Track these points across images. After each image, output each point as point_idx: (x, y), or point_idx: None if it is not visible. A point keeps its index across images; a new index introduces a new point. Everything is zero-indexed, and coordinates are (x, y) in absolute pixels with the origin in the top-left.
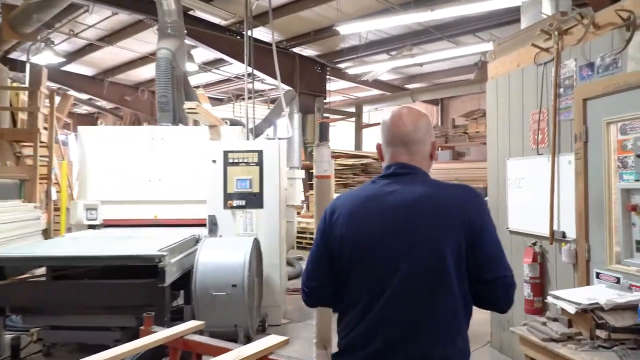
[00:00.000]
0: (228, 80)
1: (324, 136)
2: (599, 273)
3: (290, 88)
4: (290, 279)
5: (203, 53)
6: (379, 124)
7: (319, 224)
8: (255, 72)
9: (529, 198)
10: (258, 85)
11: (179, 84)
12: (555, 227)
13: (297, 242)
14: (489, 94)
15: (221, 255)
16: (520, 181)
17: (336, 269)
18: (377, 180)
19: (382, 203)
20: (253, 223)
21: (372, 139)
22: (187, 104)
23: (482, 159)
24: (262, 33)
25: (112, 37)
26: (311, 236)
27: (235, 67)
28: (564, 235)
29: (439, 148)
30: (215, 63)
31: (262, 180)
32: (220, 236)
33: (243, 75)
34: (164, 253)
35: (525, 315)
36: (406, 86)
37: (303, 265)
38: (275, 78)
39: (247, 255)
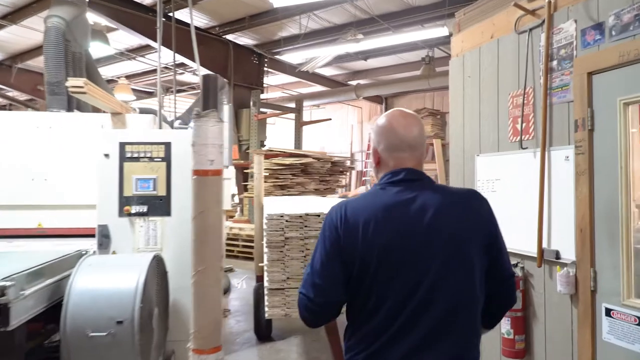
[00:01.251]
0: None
1: (261, 133)
2: (610, 309)
3: (221, 77)
4: None
5: (126, 38)
6: (321, 121)
7: (326, 233)
8: (185, 61)
9: (506, 205)
10: (189, 78)
11: (78, 63)
12: (545, 245)
13: (228, 251)
14: (452, 76)
15: (104, 281)
16: (494, 183)
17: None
18: (386, 187)
19: (406, 211)
20: (157, 235)
21: (313, 138)
22: (71, 81)
23: (428, 159)
24: (193, 17)
25: (15, 15)
26: (245, 244)
27: (164, 56)
28: (557, 255)
29: None
30: (141, 50)
31: (169, 180)
32: (114, 252)
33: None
34: (8, 283)
35: (502, 358)
36: (350, 82)
37: (233, 278)
38: (206, 67)
39: (142, 279)
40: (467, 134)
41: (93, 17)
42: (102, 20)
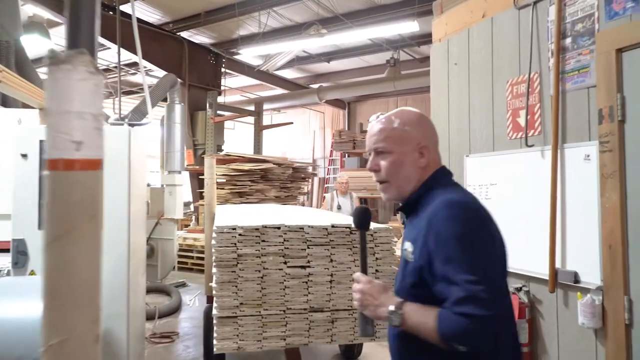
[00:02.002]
0: (108, 70)
1: (219, 137)
2: None
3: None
4: (161, 316)
5: None
6: (282, 124)
7: (479, 232)
8: (137, 60)
9: (506, 215)
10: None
11: (4, 52)
12: (558, 264)
13: (181, 263)
14: (434, 65)
15: (13, 311)
16: (488, 189)
17: None
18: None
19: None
20: None
21: (274, 143)
22: None
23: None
24: (143, 11)
25: None
26: (200, 255)
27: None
28: (575, 278)
29: (347, 154)
30: None
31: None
32: (32, 272)
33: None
34: None
35: None
36: (312, 86)
37: (185, 294)
38: (159, 66)
39: None
40: (454, 131)
41: (33, 9)
42: (45, 14)
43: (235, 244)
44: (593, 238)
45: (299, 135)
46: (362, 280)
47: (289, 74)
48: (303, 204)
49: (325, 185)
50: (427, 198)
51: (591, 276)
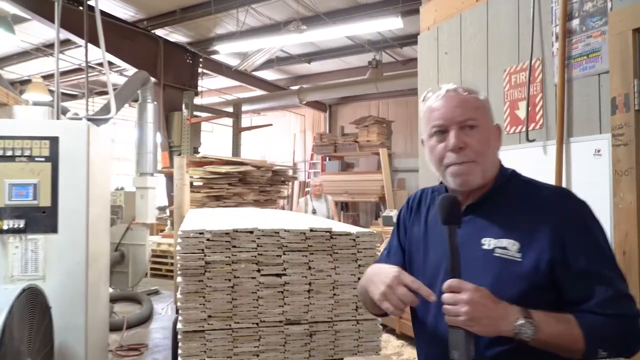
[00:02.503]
0: (80, 70)
1: (195, 139)
2: None
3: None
4: (130, 326)
5: (43, 31)
6: (261, 126)
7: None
8: (110, 59)
9: None
10: (115, 79)
11: None
12: None
13: (155, 270)
14: (422, 54)
15: None
16: None
17: None
18: None
19: None
20: (39, 258)
21: (253, 146)
22: None
23: (372, 170)
24: (115, 7)
25: None
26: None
27: (91, 54)
28: None
29: (328, 158)
30: (61, 46)
31: (56, 186)
32: None
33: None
34: None
35: None
36: (292, 87)
37: (158, 303)
38: (132, 65)
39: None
40: None
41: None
42: (12, 8)
43: (202, 250)
44: None
45: (279, 138)
46: (468, 288)
47: (269, 75)
48: (283, 208)
49: (306, 189)
50: (512, 188)
51: None
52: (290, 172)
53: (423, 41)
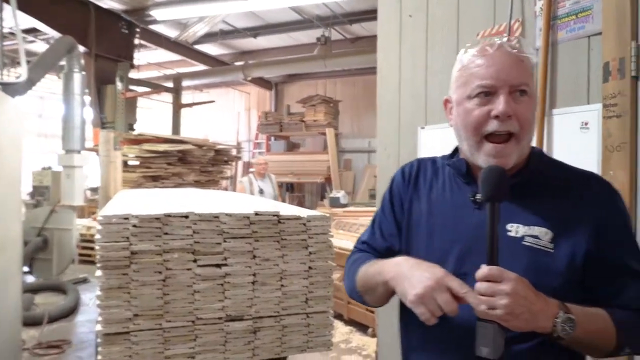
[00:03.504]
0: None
1: (131, 115)
2: None
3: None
4: (52, 320)
5: None
6: (203, 103)
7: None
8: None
9: None
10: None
11: None
12: None
13: (83, 256)
14: (382, 16)
15: None
16: None
17: None
18: None
19: None
20: None
21: (196, 125)
22: None
23: (319, 150)
24: None
25: None
26: None
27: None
28: None
29: (273, 137)
30: None
31: None
32: None
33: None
34: None
35: None
36: (237, 63)
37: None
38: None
39: None
40: (406, 99)
41: None
42: None
43: (127, 238)
44: None
45: (223, 116)
46: (510, 278)
47: (212, 49)
48: (226, 189)
49: (250, 170)
50: (541, 170)
51: None
52: (234, 152)
53: (384, 2)
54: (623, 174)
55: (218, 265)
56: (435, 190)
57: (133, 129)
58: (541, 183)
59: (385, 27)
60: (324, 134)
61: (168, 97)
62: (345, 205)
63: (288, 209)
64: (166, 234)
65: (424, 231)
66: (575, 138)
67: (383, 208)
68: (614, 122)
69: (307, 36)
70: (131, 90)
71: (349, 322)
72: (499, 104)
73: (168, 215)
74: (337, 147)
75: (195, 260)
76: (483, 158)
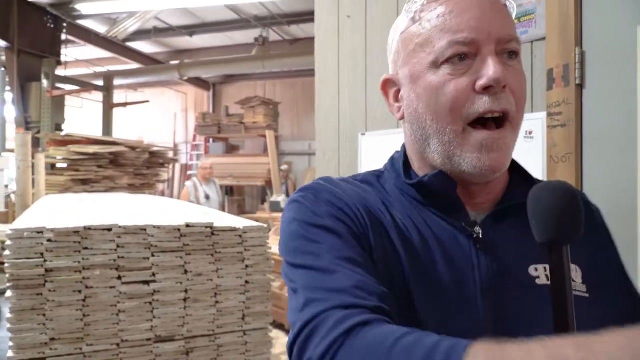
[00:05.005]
0: None
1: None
2: None
3: None
4: None
5: None
6: (137, 103)
7: None
8: None
9: None
10: None
11: None
12: None
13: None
14: (320, 16)
15: None
16: None
17: None
18: None
19: None
20: None
21: (130, 126)
22: None
23: (259, 153)
24: None
25: None
26: None
27: None
28: None
29: (212, 139)
30: None
31: None
32: None
33: None
34: None
35: None
36: (173, 62)
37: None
38: None
39: None
40: (346, 105)
41: None
42: None
43: (42, 254)
44: None
45: (158, 117)
46: None
47: (146, 47)
48: (163, 193)
49: (188, 172)
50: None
51: None
52: (171, 154)
53: (322, 2)
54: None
55: (146, 282)
56: (401, 215)
57: (61, 130)
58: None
59: (323, 28)
60: (264, 136)
61: (99, 96)
62: None
63: (223, 220)
64: (86, 248)
65: (406, 264)
66: (520, 148)
67: (340, 243)
68: (559, 132)
69: (244, 36)
70: (58, 89)
71: (273, 324)
72: (488, 68)
73: (88, 229)
74: (278, 150)
75: (119, 277)
76: (471, 157)
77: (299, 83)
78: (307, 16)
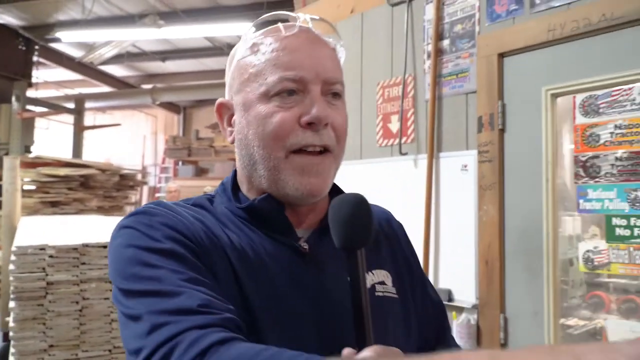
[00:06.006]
0: None
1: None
2: None
3: None
4: None
5: None
6: (107, 126)
7: None
8: None
9: None
10: None
11: None
12: (431, 279)
13: None
14: None
15: None
16: None
17: None
18: None
19: None
20: None
21: (98, 148)
22: None
23: (219, 175)
24: None
25: None
26: None
27: None
28: (449, 296)
29: (180, 162)
30: None
31: None
32: None
33: None
34: None
35: None
36: (144, 86)
37: None
38: None
39: None
40: None
41: None
42: None
43: (44, 268)
44: (469, 253)
45: (127, 140)
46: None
47: (117, 70)
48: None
49: (157, 195)
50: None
51: (466, 294)
52: (139, 177)
53: None
54: (493, 209)
55: None
56: (238, 247)
57: (30, 151)
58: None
59: None
60: (234, 159)
61: (68, 117)
62: None
63: None
64: (84, 263)
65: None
66: (458, 178)
67: (182, 265)
68: (487, 166)
69: (217, 63)
70: (28, 111)
71: None
72: (312, 107)
73: (86, 245)
74: None
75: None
76: (293, 180)
77: None
78: None
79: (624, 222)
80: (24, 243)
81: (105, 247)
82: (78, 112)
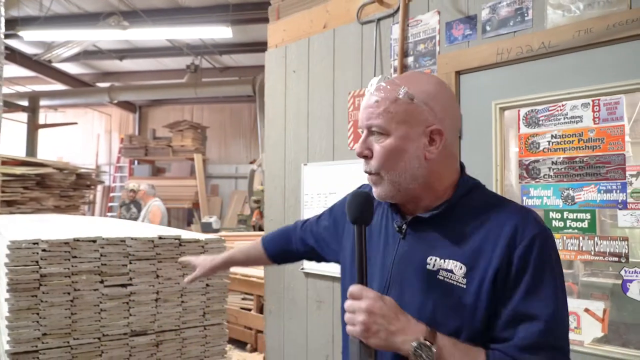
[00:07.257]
0: None
1: None
2: None
3: None
4: None
5: None
6: (64, 124)
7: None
8: None
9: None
10: None
11: None
12: None
13: None
14: (270, 70)
15: None
16: (327, 197)
17: None
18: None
19: None
20: None
21: (50, 146)
22: None
23: (185, 175)
24: None
25: None
26: None
27: None
28: None
29: (136, 161)
30: None
31: None
32: None
33: None
34: None
35: None
36: (99, 84)
37: None
38: None
39: None
40: (291, 139)
41: None
42: None
43: (37, 261)
44: None
45: (80, 138)
46: (368, 296)
47: (72, 68)
48: (84, 214)
49: (111, 194)
50: (470, 202)
51: None
52: (96, 176)
53: (271, 57)
54: None
55: (124, 285)
56: (375, 218)
57: None
58: (465, 215)
59: (273, 78)
60: (192, 159)
61: (19, 115)
62: (217, 230)
63: (187, 233)
64: (75, 257)
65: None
66: None
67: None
68: None
69: (175, 62)
70: None
71: (228, 340)
72: (357, 146)
73: (77, 240)
74: (205, 173)
75: (102, 281)
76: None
77: (226, 108)
78: (239, 47)
79: (558, 215)
80: (17, 238)
81: (94, 241)
82: (32, 110)
